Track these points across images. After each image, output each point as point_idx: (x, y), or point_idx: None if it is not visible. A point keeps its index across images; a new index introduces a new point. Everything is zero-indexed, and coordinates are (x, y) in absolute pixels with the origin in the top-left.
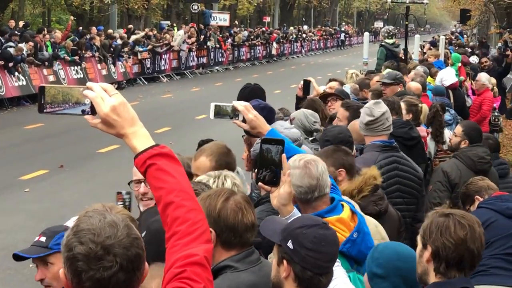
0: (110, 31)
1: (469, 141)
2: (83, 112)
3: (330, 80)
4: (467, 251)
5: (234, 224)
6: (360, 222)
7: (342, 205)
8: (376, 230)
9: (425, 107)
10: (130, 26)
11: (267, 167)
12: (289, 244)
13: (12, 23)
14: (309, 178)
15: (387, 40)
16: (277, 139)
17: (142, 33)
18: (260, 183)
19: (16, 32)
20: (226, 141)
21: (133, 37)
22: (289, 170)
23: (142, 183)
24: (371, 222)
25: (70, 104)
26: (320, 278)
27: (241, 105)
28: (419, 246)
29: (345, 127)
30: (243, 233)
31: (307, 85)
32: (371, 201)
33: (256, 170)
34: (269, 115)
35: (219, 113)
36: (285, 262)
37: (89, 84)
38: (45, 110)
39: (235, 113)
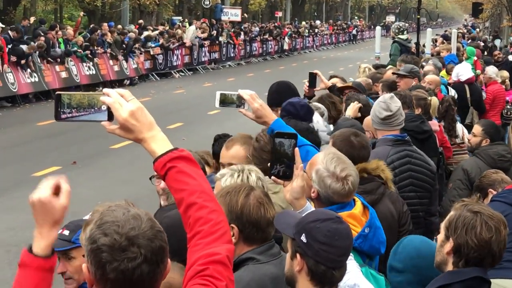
0: (119, 27)
1: (490, 140)
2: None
3: (331, 77)
4: (489, 253)
5: (257, 219)
6: (371, 217)
7: (354, 200)
8: None
9: (434, 101)
10: (141, 21)
11: (280, 161)
12: (303, 238)
13: (25, 22)
14: (345, 193)
15: (400, 36)
16: (290, 133)
17: (156, 32)
18: (273, 177)
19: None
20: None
21: (145, 33)
22: (302, 163)
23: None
24: None
25: (87, 110)
26: (333, 272)
27: (246, 93)
28: (442, 235)
29: (357, 121)
30: (266, 228)
31: (313, 78)
32: None
33: (269, 164)
34: (308, 113)
35: (225, 101)
36: (298, 256)
37: (105, 90)
38: (62, 117)
39: (241, 101)
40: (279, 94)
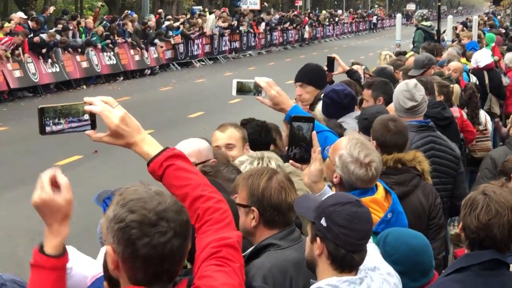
0: (145, 17)
1: None
2: (84, 126)
3: (353, 64)
4: (487, 236)
5: (278, 203)
6: (394, 202)
7: (376, 185)
8: None
9: (456, 88)
10: (160, 10)
11: (297, 144)
12: (323, 222)
13: (46, 13)
14: (367, 179)
15: (424, 23)
16: (307, 117)
17: (178, 23)
18: (291, 161)
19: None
20: None
21: (166, 23)
22: (319, 147)
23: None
24: None
25: (70, 121)
26: (353, 256)
27: (263, 81)
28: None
29: (383, 106)
30: (287, 212)
31: (331, 62)
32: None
33: (287, 147)
34: (351, 102)
35: (242, 89)
36: (318, 239)
37: (88, 99)
38: (46, 131)
39: (257, 89)
40: (316, 74)
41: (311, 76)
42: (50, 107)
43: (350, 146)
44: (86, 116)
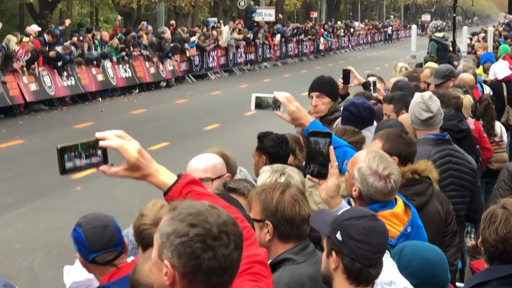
0: (159, 30)
1: None
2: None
3: (368, 76)
4: (506, 249)
5: (292, 216)
6: (413, 215)
7: (396, 199)
8: None
9: (466, 100)
10: (172, 22)
11: (315, 159)
12: (338, 236)
13: (63, 26)
14: (386, 191)
15: (437, 34)
16: (325, 132)
17: (194, 38)
18: (308, 176)
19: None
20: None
21: (192, 39)
22: (336, 162)
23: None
24: None
25: (86, 158)
26: (369, 270)
27: (282, 96)
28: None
29: (397, 120)
30: (300, 225)
31: (346, 74)
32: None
33: (304, 163)
34: (370, 115)
35: (260, 104)
36: (334, 253)
37: (100, 134)
38: (66, 170)
39: (276, 104)
40: (330, 85)
41: (329, 87)
42: (68, 146)
43: (369, 159)
44: (99, 152)
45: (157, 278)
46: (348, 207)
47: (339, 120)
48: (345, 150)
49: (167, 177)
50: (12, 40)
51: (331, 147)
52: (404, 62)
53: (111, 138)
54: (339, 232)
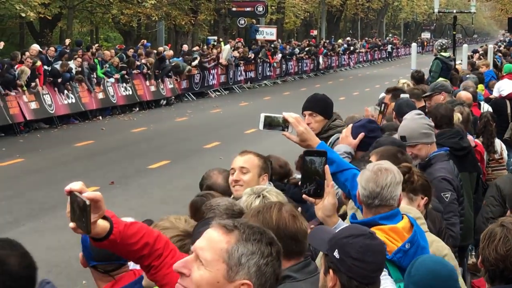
0: (160, 49)
1: None
2: None
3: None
4: (506, 268)
5: (295, 231)
6: (415, 234)
7: (402, 216)
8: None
9: (456, 117)
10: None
11: (311, 178)
12: (336, 254)
13: (67, 41)
14: (373, 184)
15: (443, 53)
16: (319, 150)
17: (195, 62)
18: (304, 195)
19: (67, 50)
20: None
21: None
22: (332, 182)
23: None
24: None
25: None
26: None
27: (291, 116)
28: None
29: (398, 139)
30: (303, 240)
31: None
32: None
33: (300, 182)
34: (372, 140)
35: (270, 124)
36: (331, 271)
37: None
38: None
39: (285, 124)
40: (323, 102)
41: (321, 105)
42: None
43: (372, 164)
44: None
45: None
46: (345, 225)
47: (332, 138)
48: (354, 172)
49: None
50: (25, 72)
51: (327, 166)
52: (406, 79)
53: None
54: (336, 250)
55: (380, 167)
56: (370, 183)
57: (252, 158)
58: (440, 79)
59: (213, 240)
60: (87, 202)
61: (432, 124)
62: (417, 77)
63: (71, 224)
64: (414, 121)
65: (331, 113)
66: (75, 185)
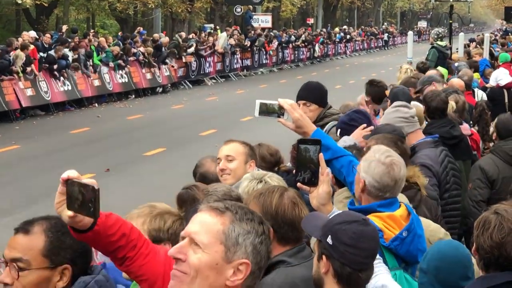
0: (155, 35)
1: (498, 136)
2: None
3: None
4: (501, 255)
5: (292, 219)
6: (412, 222)
7: (400, 204)
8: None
9: (450, 105)
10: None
11: (305, 167)
12: (329, 240)
13: (64, 27)
14: (388, 179)
15: (439, 42)
16: (314, 139)
17: (192, 49)
18: (299, 184)
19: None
20: (270, 142)
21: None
22: (327, 170)
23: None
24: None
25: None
26: (359, 274)
27: (287, 103)
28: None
29: (398, 127)
30: (300, 228)
31: None
32: None
33: (294, 171)
34: (351, 128)
35: (265, 111)
36: (324, 257)
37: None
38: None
39: (280, 111)
40: (317, 91)
41: (315, 94)
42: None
43: (375, 152)
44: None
45: (213, 281)
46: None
47: (328, 125)
48: (350, 159)
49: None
50: (20, 57)
51: (321, 154)
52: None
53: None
54: (329, 236)
55: (392, 160)
56: (385, 177)
57: (236, 146)
58: (439, 68)
59: (208, 223)
60: (96, 187)
61: (410, 112)
62: (422, 68)
63: (70, 213)
64: (388, 116)
65: (326, 101)
66: (72, 173)
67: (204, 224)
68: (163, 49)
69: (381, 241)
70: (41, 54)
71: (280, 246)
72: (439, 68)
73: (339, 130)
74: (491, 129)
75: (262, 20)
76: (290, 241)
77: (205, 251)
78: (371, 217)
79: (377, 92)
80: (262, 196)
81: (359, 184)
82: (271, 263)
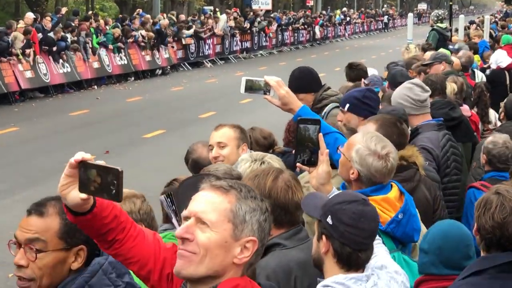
0: (156, 19)
1: (506, 116)
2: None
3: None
4: (503, 235)
5: (285, 202)
6: (406, 203)
7: (391, 185)
8: None
9: (452, 86)
10: (155, 17)
11: (304, 147)
12: (329, 220)
13: (63, 9)
14: (386, 171)
15: (439, 24)
16: (314, 119)
17: (191, 31)
18: (298, 164)
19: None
20: (269, 125)
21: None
22: (326, 149)
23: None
24: None
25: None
26: (359, 254)
27: (273, 80)
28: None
29: (401, 108)
30: (294, 211)
31: None
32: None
33: (294, 151)
34: (365, 106)
35: (251, 87)
36: (324, 237)
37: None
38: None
39: (266, 88)
40: (301, 80)
41: (298, 84)
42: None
43: (366, 140)
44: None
45: (222, 259)
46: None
47: (327, 107)
48: (336, 136)
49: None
50: (19, 38)
51: (320, 134)
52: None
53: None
54: (329, 216)
55: (388, 151)
56: (383, 170)
57: (227, 131)
58: (442, 49)
59: (214, 201)
60: (120, 169)
61: (422, 96)
62: (428, 49)
63: (83, 195)
64: (399, 90)
65: (316, 86)
66: (87, 155)
67: (210, 202)
68: (164, 30)
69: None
70: (40, 35)
71: (274, 229)
72: (442, 50)
73: (347, 105)
74: (500, 109)
75: (262, 2)
76: (284, 225)
77: (213, 230)
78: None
79: (356, 75)
80: (257, 178)
81: (348, 170)
82: (267, 245)
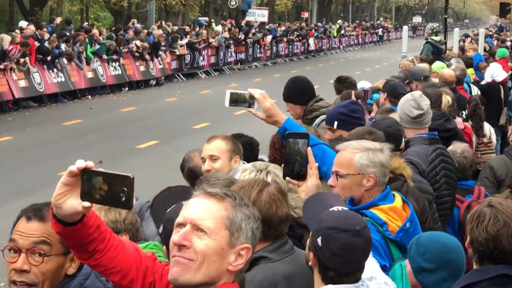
0: (150, 30)
1: None
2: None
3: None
4: (496, 248)
5: (268, 216)
6: (412, 212)
7: (394, 195)
8: None
9: (446, 99)
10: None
11: (293, 160)
12: (319, 240)
13: (58, 19)
14: (388, 164)
15: (434, 37)
16: (302, 133)
17: (185, 41)
18: (287, 177)
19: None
20: (262, 136)
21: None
22: (316, 164)
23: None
24: None
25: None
26: (343, 278)
27: (257, 92)
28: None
29: (395, 120)
30: (278, 226)
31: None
32: None
33: (283, 164)
34: (353, 120)
35: (236, 100)
36: (311, 254)
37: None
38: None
39: (251, 100)
40: (294, 90)
41: (287, 93)
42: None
43: (357, 145)
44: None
45: (218, 266)
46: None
47: (318, 119)
48: (323, 148)
49: None
50: (5, 39)
51: (309, 148)
52: (395, 64)
53: None
54: (320, 238)
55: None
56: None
57: (219, 143)
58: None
59: (210, 209)
60: (131, 176)
61: (414, 113)
62: (426, 61)
63: (86, 204)
64: (405, 97)
65: (305, 97)
66: (90, 163)
67: (207, 210)
68: (157, 39)
69: (387, 234)
70: (36, 43)
71: (259, 242)
72: (437, 62)
73: (336, 123)
74: (509, 131)
75: (258, 14)
76: (268, 238)
77: (211, 237)
78: (374, 211)
79: (346, 88)
80: (242, 190)
81: (360, 185)
82: (252, 259)
